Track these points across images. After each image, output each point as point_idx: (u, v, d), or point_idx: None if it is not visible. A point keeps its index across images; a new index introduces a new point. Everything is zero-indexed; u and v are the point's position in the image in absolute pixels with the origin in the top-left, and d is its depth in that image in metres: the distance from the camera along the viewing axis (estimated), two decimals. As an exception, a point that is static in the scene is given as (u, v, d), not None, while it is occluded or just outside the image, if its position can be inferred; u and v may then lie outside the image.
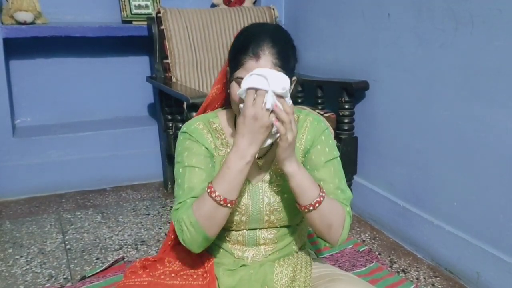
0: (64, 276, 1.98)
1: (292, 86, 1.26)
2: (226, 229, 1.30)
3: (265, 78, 1.12)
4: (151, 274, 1.32)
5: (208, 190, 1.18)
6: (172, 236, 1.48)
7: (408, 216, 2.21)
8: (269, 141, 1.18)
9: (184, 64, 2.68)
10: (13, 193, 2.73)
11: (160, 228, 2.40)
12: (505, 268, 1.77)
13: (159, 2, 3.02)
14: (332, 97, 2.52)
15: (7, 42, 2.66)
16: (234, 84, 1.22)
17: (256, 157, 1.27)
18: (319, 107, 2.59)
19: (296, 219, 1.36)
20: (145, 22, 2.82)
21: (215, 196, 1.17)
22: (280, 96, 1.13)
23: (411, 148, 2.18)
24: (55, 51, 2.95)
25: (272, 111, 1.12)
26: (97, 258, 2.11)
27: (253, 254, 1.33)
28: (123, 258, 2.10)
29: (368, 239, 2.33)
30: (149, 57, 3.10)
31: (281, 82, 1.13)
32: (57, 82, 3.00)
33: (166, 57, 2.67)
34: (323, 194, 1.22)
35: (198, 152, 1.28)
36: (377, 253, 2.19)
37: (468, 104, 1.88)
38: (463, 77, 1.89)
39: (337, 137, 2.37)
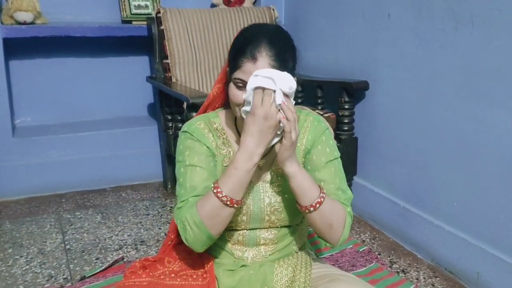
0: (64, 276, 1.98)
1: None
2: (226, 229, 1.29)
3: (271, 79, 1.13)
4: (151, 274, 1.32)
5: (214, 190, 1.17)
6: (172, 236, 1.49)
7: (408, 216, 2.21)
8: (275, 140, 1.19)
9: (184, 64, 2.68)
10: (13, 193, 2.73)
11: (160, 228, 2.40)
12: (505, 268, 1.77)
13: (159, 2, 3.02)
14: (332, 97, 2.52)
15: (7, 42, 2.66)
16: (232, 85, 1.22)
17: None
18: (319, 107, 2.59)
19: (297, 219, 1.36)
20: (145, 22, 2.82)
21: (222, 196, 1.16)
22: (285, 96, 1.15)
23: (411, 148, 2.18)
24: (55, 51, 2.95)
25: (279, 110, 1.14)
26: (97, 258, 2.11)
27: (253, 255, 1.33)
28: (122, 258, 2.10)
29: (368, 239, 2.33)
30: (149, 57, 3.10)
31: (288, 82, 1.14)
32: (57, 82, 3.00)
33: (166, 57, 2.67)
34: (324, 195, 1.22)
35: (200, 151, 1.28)
36: (377, 253, 2.19)
37: (468, 104, 1.88)
38: (463, 77, 1.89)
39: (337, 137, 2.37)
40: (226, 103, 1.40)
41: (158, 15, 2.66)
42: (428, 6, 2.01)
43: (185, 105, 2.47)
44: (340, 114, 2.40)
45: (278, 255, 1.35)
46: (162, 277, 1.31)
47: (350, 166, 2.42)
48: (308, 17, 2.90)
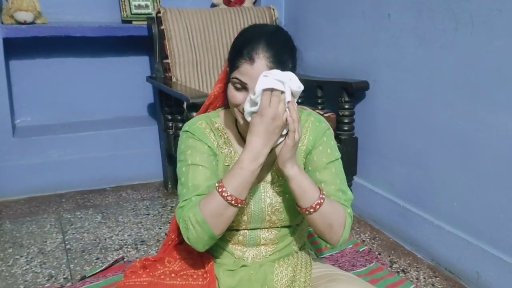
0: (64, 276, 1.98)
1: None
2: (227, 229, 1.29)
3: (279, 80, 1.14)
4: (151, 274, 1.32)
5: (219, 189, 1.17)
6: (173, 236, 1.49)
7: (408, 216, 2.21)
8: (280, 140, 1.19)
9: (184, 64, 2.68)
10: (13, 193, 2.73)
11: (160, 228, 2.40)
12: (505, 268, 1.77)
13: (159, 2, 3.02)
14: (332, 97, 2.52)
15: (7, 42, 2.66)
16: (230, 86, 1.22)
17: None
18: (319, 107, 2.59)
19: (297, 220, 1.36)
20: (145, 22, 2.82)
21: (227, 195, 1.16)
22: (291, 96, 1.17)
23: (411, 148, 2.18)
24: (55, 51, 2.95)
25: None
26: (97, 258, 2.11)
27: (253, 255, 1.34)
28: (123, 258, 2.10)
29: (368, 239, 2.33)
30: (149, 57, 3.11)
31: (296, 81, 1.17)
32: (57, 82, 3.00)
33: (166, 57, 2.67)
34: (323, 196, 1.22)
35: (202, 150, 1.28)
36: (377, 253, 2.19)
37: (468, 104, 1.88)
38: (463, 77, 1.89)
39: (337, 137, 2.37)
40: (227, 103, 1.40)
41: (158, 15, 2.66)
42: (428, 6, 2.01)
43: (185, 105, 2.47)
44: (340, 114, 2.40)
45: (278, 255, 1.35)
46: (162, 277, 1.31)
47: (350, 166, 2.42)
48: (308, 17, 2.90)
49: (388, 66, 2.28)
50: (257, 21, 2.80)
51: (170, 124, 2.66)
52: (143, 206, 2.67)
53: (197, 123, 1.33)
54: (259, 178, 1.31)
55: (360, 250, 2.18)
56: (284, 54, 1.20)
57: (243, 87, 1.20)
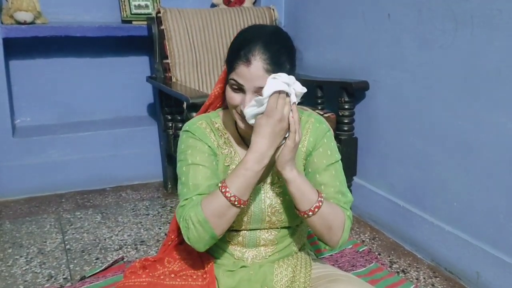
0: (64, 276, 1.98)
1: None
2: (226, 230, 1.29)
3: (285, 82, 1.16)
4: (150, 274, 1.32)
5: (223, 190, 1.17)
6: (172, 236, 1.49)
7: (408, 217, 2.21)
8: (282, 142, 1.20)
9: (184, 64, 2.67)
10: (12, 193, 2.72)
11: (160, 228, 2.40)
12: (505, 268, 1.77)
13: (159, 2, 3.02)
14: (332, 97, 2.52)
15: (7, 42, 2.66)
16: (228, 87, 1.23)
17: None
18: (319, 107, 2.59)
19: (297, 220, 1.36)
20: (145, 22, 2.82)
21: (230, 195, 1.16)
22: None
23: (411, 148, 2.18)
24: (55, 51, 2.95)
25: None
26: (97, 258, 2.11)
27: (253, 255, 1.34)
28: (122, 258, 2.10)
29: (367, 240, 2.33)
30: (149, 57, 3.10)
31: (299, 84, 1.20)
32: (57, 82, 3.00)
33: (166, 57, 2.67)
34: (322, 199, 1.22)
35: (202, 150, 1.28)
36: (376, 253, 2.19)
37: (468, 104, 1.88)
38: (463, 77, 1.89)
39: (337, 137, 2.36)
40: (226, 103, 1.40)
41: (158, 15, 2.66)
42: (428, 6, 2.01)
43: (185, 105, 2.47)
44: (340, 114, 2.40)
45: (278, 255, 1.35)
46: (162, 277, 1.31)
47: (350, 166, 2.42)
48: (308, 17, 2.90)
49: (388, 66, 2.28)
50: (257, 21, 2.80)
51: (170, 124, 2.66)
52: (143, 206, 2.67)
53: (197, 123, 1.33)
54: (260, 179, 1.31)
55: (360, 250, 2.18)
56: (282, 56, 1.19)
57: (240, 89, 1.20)
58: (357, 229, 2.43)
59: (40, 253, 2.15)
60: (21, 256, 2.13)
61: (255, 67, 1.16)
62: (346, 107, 2.38)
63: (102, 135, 2.89)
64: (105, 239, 2.28)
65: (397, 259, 2.15)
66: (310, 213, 1.22)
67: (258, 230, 1.33)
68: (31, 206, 2.66)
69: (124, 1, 2.94)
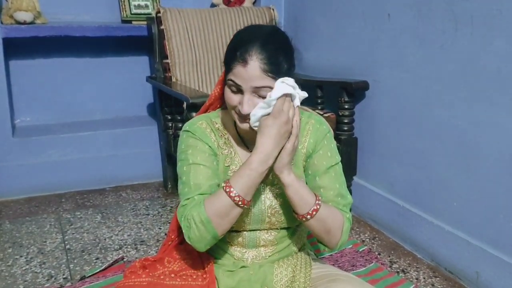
0: (64, 276, 1.98)
1: None
2: (226, 231, 1.30)
3: (292, 86, 1.19)
4: (150, 274, 1.32)
5: (227, 189, 1.17)
6: (172, 236, 1.49)
7: (408, 216, 2.21)
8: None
9: (184, 64, 2.67)
10: (12, 193, 2.72)
11: (160, 228, 2.40)
12: (504, 268, 1.77)
13: (159, 2, 3.01)
14: (332, 97, 2.52)
15: (6, 42, 2.66)
16: (226, 88, 1.23)
17: None
18: (319, 107, 2.59)
19: (296, 221, 1.36)
20: (145, 22, 2.82)
21: (234, 195, 1.17)
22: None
23: (411, 148, 2.18)
24: (55, 51, 2.95)
25: None
26: (97, 258, 2.11)
27: (252, 256, 1.34)
28: (122, 258, 2.10)
29: (367, 239, 2.33)
30: (149, 57, 3.10)
31: (300, 89, 1.22)
32: (57, 82, 3.00)
33: (166, 57, 2.67)
34: (319, 202, 1.23)
35: (203, 150, 1.28)
36: (376, 253, 2.19)
37: (468, 104, 1.88)
38: (463, 77, 1.89)
39: (336, 137, 2.36)
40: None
41: (158, 15, 2.66)
42: (428, 6, 2.01)
43: (185, 105, 2.47)
44: (340, 114, 2.40)
45: (278, 256, 1.35)
46: (162, 277, 1.31)
47: (350, 166, 2.42)
48: (308, 17, 2.90)
49: (388, 66, 2.28)
50: (257, 21, 2.80)
51: (170, 124, 2.66)
52: (143, 206, 2.67)
53: (198, 123, 1.33)
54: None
55: (360, 250, 2.18)
56: (279, 56, 1.19)
57: (238, 89, 1.20)
58: (357, 229, 2.43)
59: (40, 253, 2.15)
60: (21, 256, 2.13)
61: (252, 67, 1.16)
62: (346, 107, 2.38)
63: (102, 135, 2.89)
64: (105, 239, 2.28)
65: (397, 259, 2.15)
66: (308, 216, 1.22)
67: (258, 231, 1.33)
68: (31, 206, 2.66)
69: (124, 1, 2.94)
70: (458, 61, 1.90)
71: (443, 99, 1.99)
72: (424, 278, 2.00)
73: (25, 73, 2.91)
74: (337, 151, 1.36)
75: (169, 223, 2.24)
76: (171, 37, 2.64)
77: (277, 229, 1.34)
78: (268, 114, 1.18)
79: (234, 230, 1.32)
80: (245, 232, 1.33)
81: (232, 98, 1.21)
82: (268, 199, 1.31)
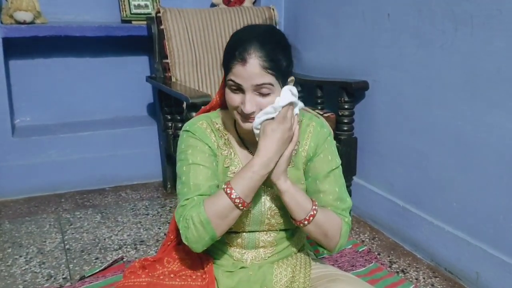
0: (63, 276, 1.98)
1: (290, 86, 1.27)
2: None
3: (294, 95, 1.23)
4: (150, 274, 1.32)
5: (228, 191, 1.18)
6: (172, 237, 1.48)
7: (407, 217, 2.21)
8: None
9: (183, 64, 2.67)
10: (12, 193, 2.72)
11: (160, 228, 2.40)
12: (504, 268, 1.77)
13: (159, 2, 3.01)
14: (332, 97, 2.52)
15: (6, 41, 2.66)
16: (227, 89, 1.23)
17: None
18: (319, 107, 2.59)
19: None
20: (145, 22, 2.82)
21: (235, 197, 1.17)
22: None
23: (411, 148, 2.18)
24: (55, 50, 2.95)
25: None
26: (96, 258, 2.11)
27: (252, 257, 1.33)
28: (122, 258, 2.10)
29: (367, 239, 2.33)
30: (149, 57, 3.10)
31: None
32: (57, 82, 3.00)
33: (166, 57, 2.67)
34: (316, 207, 1.24)
35: (202, 150, 1.28)
36: (376, 253, 2.19)
37: (468, 104, 1.88)
38: (463, 77, 1.89)
39: (336, 137, 2.36)
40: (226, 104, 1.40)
41: (158, 14, 2.65)
42: (428, 6, 2.01)
43: (184, 105, 2.47)
44: (340, 114, 2.40)
45: (277, 257, 1.35)
46: (161, 277, 1.31)
47: (349, 166, 2.42)
48: (308, 17, 2.90)
49: (387, 66, 2.28)
50: (257, 21, 2.80)
51: (170, 124, 2.65)
52: (142, 206, 2.67)
53: (198, 123, 1.32)
54: None
55: (360, 250, 2.18)
56: (277, 53, 1.19)
57: (239, 89, 1.20)
58: (357, 229, 2.43)
59: (39, 253, 2.15)
60: (20, 256, 2.13)
61: (251, 65, 1.16)
62: (346, 107, 2.38)
63: (101, 135, 2.89)
64: (104, 239, 2.28)
65: (397, 259, 2.15)
66: (306, 222, 1.24)
67: (257, 232, 1.33)
68: (31, 206, 2.66)
69: (123, 1, 2.94)
70: (458, 61, 1.90)
71: (443, 99, 1.99)
72: (424, 278, 2.00)
73: (25, 73, 2.91)
74: (338, 154, 1.36)
75: (169, 223, 2.24)
76: (171, 37, 2.64)
77: (276, 230, 1.34)
78: (271, 119, 1.19)
79: (233, 231, 1.32)
80: (244, 233, 1.33)
81: (234, 98, 1.21)
82: (268, 200, 1.31)
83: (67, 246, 2.21)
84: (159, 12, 2.65)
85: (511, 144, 1.72)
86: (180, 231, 1.23)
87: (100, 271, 1.98)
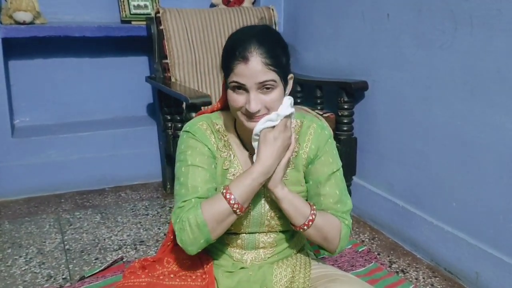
0: (63, 276, 1.98)
1: (290, 84, 1.28)
2: (225, 232, 1.29)
3: (292, 106, 1.25)
4: (150, 274, 1.32)
5: (227, 196, 1.18)
6: (171, 237, 1.48)
7: (407, 216, 2.21)
8: None
9: (183, 64, 2.67)
10: (12, 193, 2.72)
11: (159, 228, 2.40)
12: (504, 268, 1.77)
13: (158, 2, 3.01)
14: (332, 97, 2.52)
15: (6, 42, 2.66)
16: (229, 91, 1.22)
17: None
18: (318, 107, 2.59)
19: None
20: (144, 22, 2.82)
21: (234, 202, 1.18)
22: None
23: (411, 148, 2.18)
24: (54, 51, 2.95)
25: None
26: (96, 258, 2.11)
27: (252, 257, 1.33)
28: (122, 258, 2.10)
29: (367, 239, 2.33)
30: (148, 57, 3.10)
31: None
32: (56, 82, 3.00)
33: (165, 57, 2.66)
34: (314, 212, 1.25)
35: (202, 152, 1.28)
36: (376, 253, 2.19)
37: (467, 104, 1.88)
38: (462, 77, 1.89)
39: (336, 137, 2.36)
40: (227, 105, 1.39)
41: (158, 15, 2.65)
42: (427, 6, 2.01)
43: (184, 105, 2.47)
44: (340, 114, 2.40)
45: (277, 257, 1.35)
46: (161, 277, 1.31)
47: (349, 166, 2.42)
48: (307, 17, 2.90)
49: (387, 66, 2.28)
50: (256, 21, 2.80)
51: (169, 124, 2.65)
52: (142, 207, 2.67)
53: (198, 123, 1.32)
54: None
55: (359, 250, 2.18)
56: (277, 50, 1.20)
57: (242, 88, 1.19)
58: (357, 229, 2.43)
59: (39, 253, 2.15)
60: (20, 256, 2.13)
61: (253, 62, 1.16)
62: (346, 107, 2.38)
63: (101, 135, 2.89)
64: (104, 239, 2.28)
65: (397, 259, 2.15)
66: (305, 227, 1.24)
67: (257, 233, 1.33)
68: (30, 206, 2.66)
69: (123, 1, 2.94)
70: (457, 61, 1.90)
71: (443, 99, 1.99)
72: (424, 278, 2.00)
73: (24, 73, 2.91)
74: (338, 156, 1.36)
75: (168, 223, 2.24)
76: (170, 37, 2.64)
77: (276, 231, 1.34)
78: (271, 127, 1.21)
79: (233, 233, 1.32)
80: (244, 235, 1.33)
81: (237, 99, 1.21)
82: (268, 202, 1.31)
83: (67, 247, 2.21)
84: (158, 12, 2.65)
85: (511, 144, 1.72)
86: (176, 233, 1.23)
87: (100, 271, 1.98)
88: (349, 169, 2.41)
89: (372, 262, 2.07)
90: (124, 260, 2.09)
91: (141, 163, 2.97)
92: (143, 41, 2.88)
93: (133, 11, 2.95)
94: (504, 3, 1.69)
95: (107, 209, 2.63)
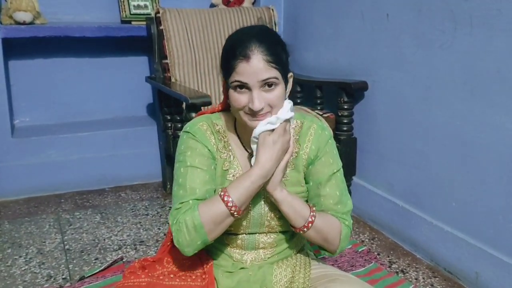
0: (63, 276, 1.98)
1: (290, 82, 1.28)
2: (225, 233, 1.29)
3: (292, 111, 1.25)
4: (150, 274, 1.32)
5: (225, 198, 1.18)
6: (171, 237, 1.48)
7: (407, 217, 2.21)
8: None
9: (183, 64, 2.67)
10: (12, 193, 2.72)
11: (159, 229, 2.40)
12: (504, 268, 1.77)
13: (158, 2, 3.01)
14: (331, 97, 2.52)
15: (6, 42, 2.66)
16: (231, 91, 1.22)
17: None
18: (318, 108, 2.59)
19: None
20: (144, 22, 2.82)
21: (231, 205, 1.18)
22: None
23: (411, 148, 2.18)
24: (54, 51, 2.95)
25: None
26: (96, 258, 2.11)
27: (252, 258, 1.33)
28: (122, 259, 2.10)
29: (367, 240, 2.33)
30: (148, 57, 3.10)
31: None
32: (56, 82, 3.00)
33: (165, 57, 2.67)
34: (314, 213, 1.25)
35: (201, 153, 1.28)
36: (376, 253, 2.19)
37: (467, 104, 1.88)
38: (462, 77, 1.89)
39: (336, 137, 2.36)
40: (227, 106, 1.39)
41: (158, 15, 2.65)
42: (427, 6, 2.01)
43: (184, 105, 2.47)
44: (339, 114, 2.40)
45: (277, 258, 1.35)
46: (161, 277, 1.31)
47: (349, 166, 2.42)
48: (307, 17, 2.90)
49: (387, 66, 2.28)
50: (256, 22, 2.80)
51: (169, 125, 2.65)
52: (142, 207, 2.67)
53: (199, 124, 1.32)
54: None
55: (359, 250, 2.18)
56: (277, 47, 1.21)
57: (245, 87, 1.19)
58: (357, 229, 2.43)
59: (39, 253, 2.15)
60: (20, 256, 2.13)
61: (255, 60, 1.16)
62: (345, 107, 2.39)
63: (101, 135, 2.89)
64: (104, 239, 2.28)
65: (396, 259, 2.15)
66: (305, 229, 1.25)
67: (257, 234, 1.33)
68: (30, 206, 2.66)
69: (123, 1, 2.94)
70: (457, 61, 1.90)
71: (443, 99, 1.99)
72: (424, 278, 2.00)
73: (24, 73, 2.91)
74: (339, 156, 1.36)
75: (168, 223, 2.24)
76: (170, 37, 2.64)
77: (276, 232, 1.34)
78: (270, 130, 1.21)
79: (233, 233, 1.32)
80: (244, 235, 1.33)
81: (240, 99, 1.20)
82: (267, 203, 1.31)
83: (66, 247, 2.21)
84: (158, 12, 2.65)
85: (511, 144, 1.73)
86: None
87: (99, 271, 1.98)
88: (349, 169, 2.41)
89: (372, 262, 2.07)
90: (124, 260, 2.09)
91: (141, 163, 2.97)
92: (143, 41, 2.88)
93: (133, 11, 2.95)
94: (504, 3, 1.69)
95: (107, 209, 2.63)
